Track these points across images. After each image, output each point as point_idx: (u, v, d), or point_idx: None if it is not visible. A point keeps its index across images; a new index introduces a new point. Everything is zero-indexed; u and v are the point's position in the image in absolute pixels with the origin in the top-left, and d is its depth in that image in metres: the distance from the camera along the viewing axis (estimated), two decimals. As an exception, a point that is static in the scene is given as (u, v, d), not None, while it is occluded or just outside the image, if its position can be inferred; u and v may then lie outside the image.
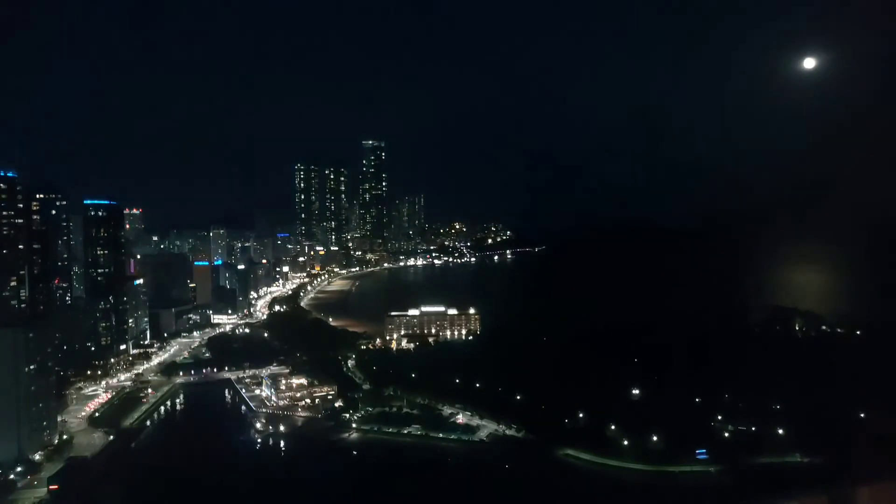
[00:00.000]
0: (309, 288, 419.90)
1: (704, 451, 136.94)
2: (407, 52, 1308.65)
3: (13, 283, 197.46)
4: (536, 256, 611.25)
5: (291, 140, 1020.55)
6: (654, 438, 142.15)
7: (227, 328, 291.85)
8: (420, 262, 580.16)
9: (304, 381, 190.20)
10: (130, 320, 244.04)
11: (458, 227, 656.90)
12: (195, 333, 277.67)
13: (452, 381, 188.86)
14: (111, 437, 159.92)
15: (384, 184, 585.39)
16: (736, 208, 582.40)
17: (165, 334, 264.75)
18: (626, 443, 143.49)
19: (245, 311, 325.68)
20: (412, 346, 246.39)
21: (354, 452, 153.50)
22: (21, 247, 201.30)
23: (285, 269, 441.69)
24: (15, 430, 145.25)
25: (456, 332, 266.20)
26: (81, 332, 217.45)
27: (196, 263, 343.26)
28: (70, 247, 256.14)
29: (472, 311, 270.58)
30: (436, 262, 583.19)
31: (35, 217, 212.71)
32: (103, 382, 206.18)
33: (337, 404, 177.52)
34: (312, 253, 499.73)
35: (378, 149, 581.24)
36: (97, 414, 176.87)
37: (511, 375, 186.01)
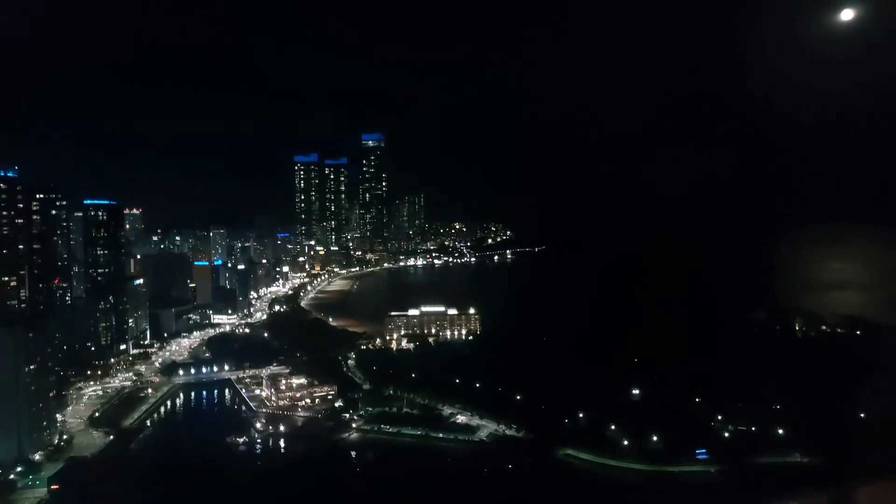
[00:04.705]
0: (309, 288, 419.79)
1: (704, 451, 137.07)
2: (407, 51, 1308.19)
3: (13, 283, 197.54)
4: (536, 256, 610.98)
5: (292, 140, 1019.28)
6: (654, 438, 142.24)
7: (227, 328, 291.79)
8: (420, 262, 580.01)
9: (304, 381, 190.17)
10: (130, 320, 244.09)
11: (458, 227, 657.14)
12: (195, 333, 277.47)
13: (452, 381, 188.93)
14: (111, 437, 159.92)
15: (384, 184, 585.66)
16: (741, 208, 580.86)
17: (165, 334, 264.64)
18: (626, 443, 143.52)
19: (245, 311, 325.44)
20: (412, 346, 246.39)
21: (354, 452, 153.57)
22: (21, 247, 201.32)
23: (285, 269, 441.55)
24: (15, 430, 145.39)
25: (456, 332, 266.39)
26: (81, 332, 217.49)
27: (196, 263, 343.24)
28: (70, 247, 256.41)
29: (472, 311, 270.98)
30: (436, 262, 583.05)
31: (35, 217, 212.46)
32: (104, 382, 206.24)
33: (337, 404, 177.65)
34: (312, 253, 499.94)
35: (378, 148, 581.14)
36: (97, 414, 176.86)
37: (511, 375, 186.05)
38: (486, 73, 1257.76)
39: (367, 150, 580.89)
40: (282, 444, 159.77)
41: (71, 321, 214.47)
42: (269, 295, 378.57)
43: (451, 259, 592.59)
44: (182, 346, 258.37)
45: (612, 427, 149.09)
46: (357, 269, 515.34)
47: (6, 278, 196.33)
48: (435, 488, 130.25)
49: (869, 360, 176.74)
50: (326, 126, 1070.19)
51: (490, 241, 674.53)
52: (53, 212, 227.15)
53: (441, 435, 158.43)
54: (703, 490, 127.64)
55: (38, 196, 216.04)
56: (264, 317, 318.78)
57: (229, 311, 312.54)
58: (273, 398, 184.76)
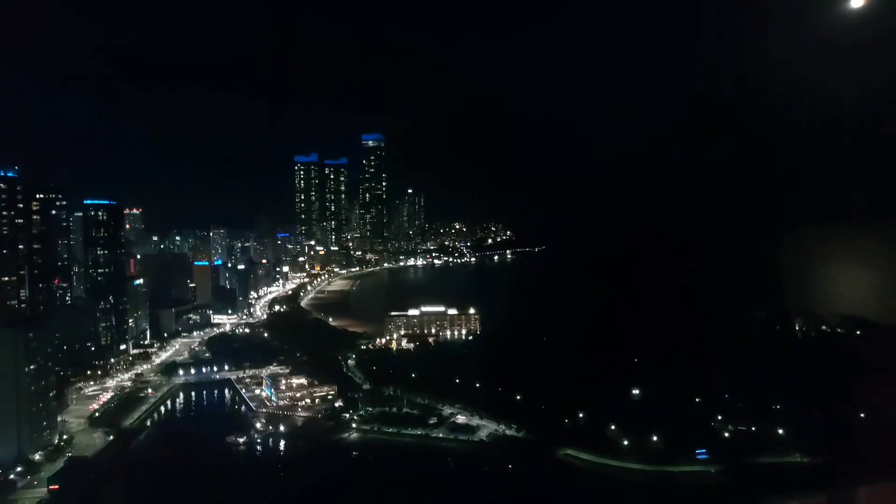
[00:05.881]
0: (309, 288, 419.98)
1: (704, 451, 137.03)
2: (406, 49, 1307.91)
3: (13, 283, 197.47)
4: (536, 256, 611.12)
5: (292, 140, 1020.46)
6: (654, 438, 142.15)
7: (227, 328, 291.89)
8: (420, 262, 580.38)
9: (304, 381, 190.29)
10: (130, 320, 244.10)
11: (458, 227, 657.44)
12: (195, 333, 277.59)
13: (452, 381, 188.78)
14: (111, 437, 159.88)
15: (384, 184, 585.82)
16: (741, 207, 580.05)
17: (165, 334, 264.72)
18: (626, 443, 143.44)
19: (245, 311, 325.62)
20: (412, 346, 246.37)
21: (354, 452, 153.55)
22: (21, 247, 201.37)
23: (285, 269, 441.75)
24: (15, 430, 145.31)
25: (456, 332, 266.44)
26: (81, 332, 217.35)
27: (196, 263, 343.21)
28: (70, 247, 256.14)
29: (471, 311, 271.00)
30: (436, 262, 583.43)
31: (35, 217, 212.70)
32: (104, 382, 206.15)
33: (337, 404, 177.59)
34: (312, 253, 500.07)
35: (378, 148, 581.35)
36: (97, 414, 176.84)
37: (511, 375, 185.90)
38: (487, 72, 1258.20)
39: (367, 150, 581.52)
40: (282, 444, 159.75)
41: (71, 321, 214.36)
42: (269, 295, 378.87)
43: (451, 259, 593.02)
44: (182, 346, 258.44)
45: (612, 427, 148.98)
46: (357, 269, 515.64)
47: (6, 278, 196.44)
48: (435, 488, 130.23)
49: (869, 360, 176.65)
50: (326, 126, 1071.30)
51: (490, 241, 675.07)
52: (53, 212, 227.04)
53: (441, 435, 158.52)
54: (703, 490, 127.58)
55: (38, 196, 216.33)
56: (264, 317, 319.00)
57: (229, 311, 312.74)
58: (273, 398, 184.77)
